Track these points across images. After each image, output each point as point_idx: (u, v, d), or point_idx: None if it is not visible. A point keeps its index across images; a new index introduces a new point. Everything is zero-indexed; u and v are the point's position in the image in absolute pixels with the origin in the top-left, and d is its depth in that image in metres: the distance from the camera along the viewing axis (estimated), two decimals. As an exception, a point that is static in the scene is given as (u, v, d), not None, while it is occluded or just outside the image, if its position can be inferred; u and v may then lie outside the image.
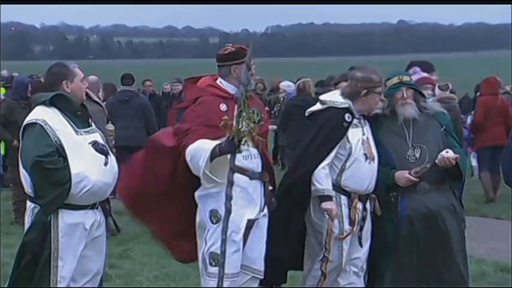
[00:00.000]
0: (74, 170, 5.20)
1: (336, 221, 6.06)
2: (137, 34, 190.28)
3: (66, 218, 5.28)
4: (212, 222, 5.78)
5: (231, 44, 6.06)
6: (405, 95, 6.12)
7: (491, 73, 15.13)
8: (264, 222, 5.91)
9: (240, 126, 5.37)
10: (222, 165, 5.59)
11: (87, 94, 9.41)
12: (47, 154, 5.19)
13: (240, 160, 5.64)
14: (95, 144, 5.34)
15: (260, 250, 5.90)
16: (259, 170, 5.89)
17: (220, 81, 5.96)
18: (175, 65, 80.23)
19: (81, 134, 5.34)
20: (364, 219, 6.15)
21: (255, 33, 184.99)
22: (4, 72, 13.54)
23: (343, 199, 6.10)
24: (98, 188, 5.29)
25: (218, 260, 5.57)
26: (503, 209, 11.49)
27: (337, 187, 6.09)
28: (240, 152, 5.47)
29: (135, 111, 11.56)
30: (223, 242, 5.46)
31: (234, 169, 5.50)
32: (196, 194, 5.80)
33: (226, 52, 6.01)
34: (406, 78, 6.23)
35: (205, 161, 5.60)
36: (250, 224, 5.84)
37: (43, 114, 5.31)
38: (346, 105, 6.14)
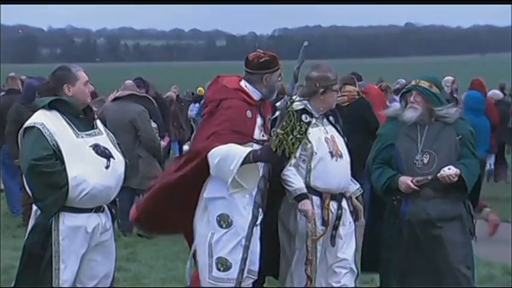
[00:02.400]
0: (71, 173, 5.19)
1: (307, 222, 6.03)
2: (144, 37, 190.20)
3: (67, 221, 5.28)
4: (221, 226, 5.72)
5: (261, 51, 6.00)
6: (413, 99, 6.13)
7: (498, 76, 15.11)
8: (258, 228, 5.87)
9: (287, 138, 5.47)
10: (248, 172, 5.62)
11: (134, 95, 9.50)
12: (42, 157, 5.19)
13: (252, 180, 5.66)
14: (96, 147, 5.32)
15: (257, 252, 5.86)
16: (264, 174, 5.82)
17: (245, 85, 5.89)
18: (182, 67, 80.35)
19: (82, 137, 5.32)
20: (339, 218, 6.12)
21: (262, 36, 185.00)
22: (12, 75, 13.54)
23: (315, 199, 6.09)
24: (98, 191, 5.27)
25: (227, 265, 5.61)
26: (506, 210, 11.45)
27: (308, 188, 6.07)
28: (289, 161, 5.64)
29: (155, 114, 11.69)
30: (246, 248, 5.54)
31: (266, 177, 5.56)
32: (205, 195, 5.75)
33: (260, 60, 5.94)
34: (422, 83, 6.19)
35: (238, 166, 5.56)
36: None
37: (42, 118, 5.31)
38: (301, 107, 6.13)
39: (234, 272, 5.63)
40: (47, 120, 5.30)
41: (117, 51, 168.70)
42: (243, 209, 5.70)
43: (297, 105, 6.10)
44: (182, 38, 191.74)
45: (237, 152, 5.59)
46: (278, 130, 5.58)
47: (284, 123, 5.59)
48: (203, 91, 21.31)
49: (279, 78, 5.95)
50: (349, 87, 10.21)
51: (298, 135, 5.62)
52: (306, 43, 5.91)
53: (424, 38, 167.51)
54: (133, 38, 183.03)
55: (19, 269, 5.45)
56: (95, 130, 5.43)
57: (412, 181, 5.96)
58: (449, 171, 5.89)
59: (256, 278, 5.88)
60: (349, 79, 10.48)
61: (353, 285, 6.17)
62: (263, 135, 5.84)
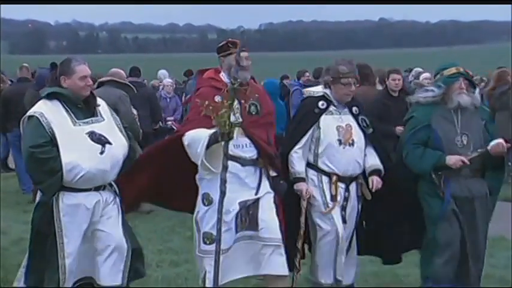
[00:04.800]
0: (65, 159, 5.16)
1: (319, 197, 6.00)
2: (142, 31, 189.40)
3: (66, 200, 5.27)
4: (204, 204, 5.71)
5: (230, 39, 5.93)
6: (462, 85, 5.98)
7: (463, 66, 15.04)
8: (268, 198, 5.77)
9: (225, 119, 5.31)
10: (217, 155, 5.53)
11: (114, 81, 9.42)
12: (39, 145, 5.17)
13: (231, 149, 5.56)
14: (91, 135, 5.27)
15: (273, 221, 5.73)
16: (253, 157, 5.77)
17: (222, 74, 5.86)
18: (176, 58, 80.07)
19: (80, 125, 5.28)
20: (346, 199, 6.06)
21: (250, 30, 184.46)
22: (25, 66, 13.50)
23: (324, 178, 6.04)
24: (92, 174, 5.23)
25: (212, 238, 5.56)
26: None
27: (317, 168, 6.04)
28: (230, 139, 5.41)
29: (140, 100, 11.61)
30: (219, 221, 5.45)
31: (228, 156, 5.47)
32: (196, 177, 5.75)
33: (218, 45, 5.92)
34: (462, 69, 6.08)
35: (203, 149, 5.53)
36: (247, 203, 5.71)
37: (42, 107, 5.30)
38: (321, 94, 6.09)
39: (222, 244, 5.56)
40: (46, 110, 5.27)
41: (117, 44, 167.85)
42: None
43: (318, 92, 6.11)
44: (177, 31, 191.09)
45: (201, 136, 5.54)
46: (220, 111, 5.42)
47: (229, 104, 5.41)
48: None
49: (242, 64, 5.66)
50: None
51: (236, 116, 5.50)
52: (242, 29, 5.85)
53: (396, 31, 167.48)
54: (133, 32, 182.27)
55: (29, 243, 5.45)
56: (93, 118, 5.38)
57: (463, 156, 5.85)
58: (498, 141, 5.86)
59: (281, 244, 5.68)
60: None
61: (354, 269, 6.18)
62: (238, 118, 5.68)
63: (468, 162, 5.86)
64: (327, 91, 6.10)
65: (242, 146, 5.74)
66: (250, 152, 5.76)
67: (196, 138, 5.58)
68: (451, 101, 5.96)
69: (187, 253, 7.81)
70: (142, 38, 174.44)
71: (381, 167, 6.16)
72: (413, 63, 16.69)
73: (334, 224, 6.00)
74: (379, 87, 11.00)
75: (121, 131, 5.53)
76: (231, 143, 5.51)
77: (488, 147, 5.85)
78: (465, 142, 5.94)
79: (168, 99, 14.35)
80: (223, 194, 5.44)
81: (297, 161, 6.03)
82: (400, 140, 6.25)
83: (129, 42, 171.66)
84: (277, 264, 5.69)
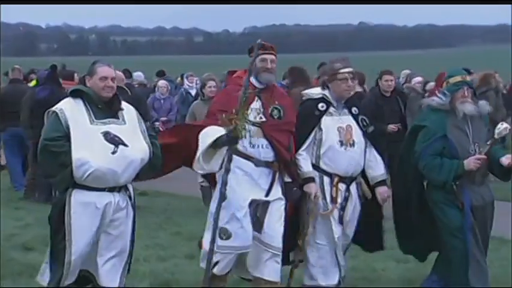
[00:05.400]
0: (75, 154, 5.14)
1: (319, 200, 5.91)
2: (131, 34, 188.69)
3: (77, 197, 5.23)
4: (222, 200, 5.61)
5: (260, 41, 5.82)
6: (466, 94, 5.87)
7: (439, 69, 15.13)
8: (278, 205, 5.72)
9: (238, 124, 5.36)
10: (209, 156, 5.52)
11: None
12: (53, 138, 5.18)
13: (246, 147, 5.54)
14: (106, 134, 5.24)
15: (278, 229, 5.70)
16: (268, 159, 5.67)
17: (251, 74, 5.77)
18: (164, 60, 79.86)
19: (96, 124, 5.26)
20: (346, 199, 5.96)
21: (234, 33, 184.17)
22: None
23: (326, 179, 5.96)
24: (101, 173, 5.18)
25: (228, 234, 5.55)
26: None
27: (319, 169, 5.96)
28: (236, 144, 5.43)
29: (130, 101, 11.62)
30: (215, 221, 5.48)
31: (231, 158, 5.44)
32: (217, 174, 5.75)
33: (248, 47, 5.87)
34: (468, 78, 6.00)
35: (204, 147, 5.49)
36: (258, 204, 5.65)
37: (64, 104, 5.34)
38: (320, 96, 6.01)
39: (235, 241, 5.56)
40: (67, 106, 5.31)
41: (107, 46, 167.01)
42: (236, 185, 5.61)
43: (317, 94, 6.02)
44: (164, 34, 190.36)
45: (209, 134, 5.50)
46: (231, 116, 5.44)
47: (238, 110, 5.46)
48: (181, 81, 21.16)
49: (265, 64, 5.71)
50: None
51: (243, 120, 5.46)
52: (259, 41, 5.76)
53: (375, 35, 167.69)
54: (121, 35, 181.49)
55: (50, 241, 5.43)
56: (112, 119, 5.33)
57: (477, 155, 5.76)
58: (505, 129, 5.81)
59: (279, 253, 5.71)
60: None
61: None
62: (261, 118, 5.66)
63: (484, 157, 5.76)
64: (326, 92, 6.01)
65: (259, 146, 5.66)
66: (266, 154, 5.67)
67: (205, 135, 5.53)
68: (457, 110, 5.86)
69: (173, 248, 7.81)
70: (130, 41, 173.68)
71: (385, 176, 6.12)
72: (390, 65, 16.75)
73: (331, 228, 5.94)
74: (359, 88, 11.00)
75: (145, 138, 5.44)
76: (246, 142, 5.48)
77: (495, 135, 5.79)
78: (477, 150, 5.85)
79: (162, 101, 14.37)
80: (223, 195, 5.44)
81: (303, 162, 5.93)
82: (416, 150, 6.02)
83: (118, 44, 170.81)
84: (273, 271, 5.68)
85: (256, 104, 5.72)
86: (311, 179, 5.91)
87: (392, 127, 9.87)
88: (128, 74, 12.85)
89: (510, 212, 9.06)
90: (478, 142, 5.89)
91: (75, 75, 13.11)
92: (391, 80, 10.29)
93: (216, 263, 5.63)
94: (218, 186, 5.66)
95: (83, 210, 5.25)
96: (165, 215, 9.65)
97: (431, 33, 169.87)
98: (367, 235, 6.21)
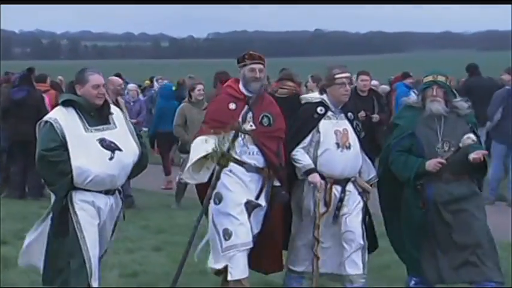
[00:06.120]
0: (75, 162, 5.03)
1: (311, 204, 5.84)
2: (101, 39, 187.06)
3: (79, 195, 5.13)
4: (216, 203, 5.57)
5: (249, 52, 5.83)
6: (435, 93, 5.79)
7: (388, 72, 15.25)
8: (262, 213, 5.71)
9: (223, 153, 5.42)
10: (199, 169, 5.53)
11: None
12: (50, 148, 5.04)
13: (239, 154, 5.51)
14: (102, 141, 5.14)
15: (250, 230, 5.67)
16: (259, 165, 5.63)
17: (240, 83, 5.75)
18: (132, 64, 79.31)
19: (91, 132, 5.15)
20: (341, 200, 5.87)
21: (199, 39, 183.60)
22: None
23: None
24: (101, 179, 5.10)
25: (229, 233, 5.49)
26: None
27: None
28: (224, 167, 5.48)
29: None
30: (197, 224, 5.53)
31: (219, 177, 5.47)
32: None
33: (238, 57, 5.82)
34: (440, 78, 5.87)
35: (193, 160, 5.50)
36: (251, 206, 5.61)
37: (57, 114, 5.19)
38: (318, 100, 5.95)
39: (237, 238, 5.52)
40: (61, 116, 5.17)
41: (78, 51, 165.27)
42: (230, 186, 5.59)
43: (316, 98, 5.98)
44: (132, 40, 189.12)
45: (201, 149, 5.48)
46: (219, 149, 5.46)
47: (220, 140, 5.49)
48: (149, 83, 21.13)
49: (253, 74, 5.66)
50: (289, 83, 10.21)
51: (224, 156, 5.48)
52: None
53: (330, 41, 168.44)
54: (92, 40, 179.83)
55: (48, 244, 5.27)
56: (105, 126, 5.23)
57: (439, 159, 5.66)
58: (470, 136, 5.68)
59: (250, 245, 5.62)
60: (289, 75, 10.48)
61: (360, 260, 5.90)
62: (251, 126, 5.62)
63: (445, 162, 5.65)
64: (324, 97, 5.95)
65: (250, 153, 5.61)
66: (257, 160, 5.63)
67: (197, 147, 5.51)
68: (425, 109, 5.80)
69: (141, 241, 7.78)
70: (100, 46, 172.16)
71: (375, 179, 6.09)
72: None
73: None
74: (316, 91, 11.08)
75: (134, 138, 5.37)
76: (238, 148, 5.47)
77: (460, 144, 5.67)
78: (446, 148, 5.75)
79: (132, 103, 14.37)
80: (205, 208, 5.49)
81: (301, 155, 5.85)
82: (384, 147, 6.09)
83: (88, 49, 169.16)
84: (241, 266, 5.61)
85: (245, 113, 5.70)
86: (313, 170, 5.82)
87: (361, 114, 9.95)
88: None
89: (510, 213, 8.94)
90: (450, 140, 5.78)
91: (48, 78, 13.08)
92: (367, 80, 10.40)
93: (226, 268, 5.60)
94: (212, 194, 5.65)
95: (87, 208, 5.16)
96: (134, 209, 9.58)
97: (381, 40, 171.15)
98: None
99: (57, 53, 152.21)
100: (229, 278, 5.55)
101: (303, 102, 6.14)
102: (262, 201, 5.71)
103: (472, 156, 5.63)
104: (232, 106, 5.63)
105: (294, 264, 6.07)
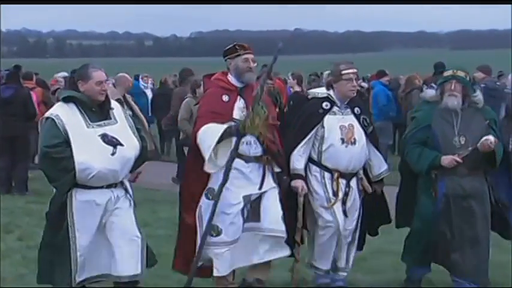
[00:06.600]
0: (77, 159, 4.92)
1: (321, 192, 5.76)
2: (86, 38, 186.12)
3: (79, 196, 5.02)
4: (208, 198, 5.43)
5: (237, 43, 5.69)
6: (453, 87, 5.68)
7: (366, 71, 15.33)
8: (272, 193, 5.54)
9: (251, 122, 5.21)
10: (224, 152, 5.31)
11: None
12: (53, 145, 4.94)
13: (225, 157, 5.33)
14: (103, 137, 5.03)
15: (275, 213, 5.48)
16: (257, 154, 5.51)
17: (229, 76, 5.60)
18: (116, 63, 79.00)
19: (93, 127, 5.04)
20: (347, 194, 5.80)
21: (182, 38, 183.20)
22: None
23: (326, 174, 5.79)
24: (103, 174, 4.99)
25: (217, 230, 5.34)
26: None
27: (321, 165, 5.80)
28: (244, 135, 5.27)
29: None
30: (214, 205, 5.32)
31: (235, 155, 5.27)
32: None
33: (224, 50, 5.65)
34: (460, 73, 5.72)
35: (214, 143, 5.25)
36: (251, 198, 5.44)
37: (58, 110, 5.08)
38: (325, 95, 5.85)
39: (226, 236, 5.38)
40: (62, 112, 5.05)
41: (63, 49, 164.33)
42: (227, 184, 5.39)
43: (322, 93, 5.88)
44: (117, 38, 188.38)
45: (214, 130, 5.30)
46: (247, 112, 5.30)
47: (254, 106, 5.32)
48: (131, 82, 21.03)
49: (247, 64, 5.51)
50: (268, 80, 10.25)
51: (260, 116, 5.29)
52: (280, 44, 5.55)
53: (309, 40, 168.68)
54: (77, 39, 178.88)
55: (43, 235, 5.21)
56: (106, 121, 5.13)
57: (456, 156, 5.57)
58: (489, 137, 5.52)
59: (284, 236, 5.45)
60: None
61: (352, 255, 5.91)
62: (265, 111, 5.44)
63: (460, 160, 5.58)
64: (330, 92, 5.86)
65: (247, 143, 5.46)
66: (255, 149, 5.51)
67: (209, 132, 5.31)
68: (442, 103, 5.70)
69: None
70: (86, 44, 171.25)
71: (386, 173, 5.98)
72: (323, 68, 16.91)
73: (336, 217, 5.76)
74: (297, 88, 11.13)
75: (134, 133, 5.26)
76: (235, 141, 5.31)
77: (478, 145, 5.56)
78: (463, 142, 5.64)
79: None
80: (224, 180, 5.29)
81: (297, 159, 5.75)
82: (402, 139, 6.00)
83: (74, 48, 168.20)
84: (273, 252, 5.47)
85: (239, 103, 5.56)
86: (299, 176, 5.74)
87: None
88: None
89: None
90: (466, 134, 5.65)
91: (34, 75, 12.99)
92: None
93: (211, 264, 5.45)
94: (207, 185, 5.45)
95: (86, 208, 5.03)
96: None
97: (359, 39, 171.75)
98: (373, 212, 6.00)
99: (43, 52, 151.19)
100: (215, 273, 5.46)
101: (309, 97, 6.02)
102: (267, 186, 5.54)
103: (481, 141, 5.56)
104: (225, 98, 5.49)
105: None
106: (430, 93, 5.93)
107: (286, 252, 5.55)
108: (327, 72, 12.60)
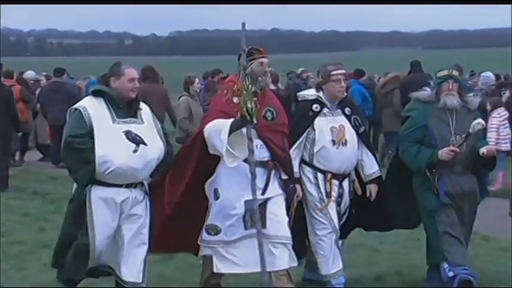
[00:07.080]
0: (99, 152, 4.88)
1: (315, 193, 5.70)
2: (66, 36, 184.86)
3: (98, 193, 4.96)
4: (215, 199, 5.36)
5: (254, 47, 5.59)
6: (450, 87, 5.64)
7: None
8: (277, 199, 5.43)
9: (246, 104, 5.11)
10: (238, 142, 5.19)
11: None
12: (77, 135, 4.91)
13: (243, 150, 5.22)
14: (127, 133, 4.98)
15: (280, 219, 5.39)
16: (263, 159, 5.38)
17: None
18: (96, 61, 78.57)
19: (118, 123, 5.00)
20: (341, 195, 5.75)
21: (161, 37, 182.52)
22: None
23: (319, 175, 5.73)
24: (122, 170, 4.93)
25: (217, 230, 5.31)
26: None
27: (313, 166, 5.73)
28: (252, 123, 5.15)
29: (64, 97, 11.86)
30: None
31: (252, 140, 5.17)
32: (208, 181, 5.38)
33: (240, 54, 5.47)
34: (455, 73, 5.70)
35: (226, 135, 5.14)
36: (252, 204, 5.28)
37: (86, 102, 5.06)
38: (314, 97, 5.75)
39: (226, 236, 5.33)
40: (90, 105, 5.03)
41: (44, 48, 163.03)
42: (229, 185, 5.35)
43: (312, 95, 5.77)
44: (97, 38, 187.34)
45: (222, 124, 5.21)
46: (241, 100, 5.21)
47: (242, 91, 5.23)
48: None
49: (263, 68, 5.39)
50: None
51: (249, 99, 5.19)
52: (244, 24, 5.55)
53: (286, 39, 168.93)
54: (58, 38, 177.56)
55: (62, 226, 5.19)
56: (132, 119, 5.08)
57: (451, 147, 5.53)
58: (479, 124, 5.52)
59: (290, 243, 5.37)
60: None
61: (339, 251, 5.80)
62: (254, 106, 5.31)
63: (457, 149, 5.55)
64: (320, 94, 5.76)
65: (254, 146, 5.29)
66: (261, 154, 5.38)
67: (217, 126, 5.21)
68: (440, 101, 5.65)
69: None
70: (66, 43, 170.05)
71: (378, 173, 5.87)
72: (299, 66, 16.94)
73: (331, 218, 5.71)
74: (273, 87, 11.09)
75: (160, 137, 5.19)
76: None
77: (470, 130, 5.54)
78: (459, 142, 5.61)
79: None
80: (255, 189, 5.21)
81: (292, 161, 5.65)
82: (398, 136, 5.96)
83: (54, 46, 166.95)
84: (285, 258, 5.35)
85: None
86: (294, 179, 5.64)
87: None
88: (62, 72, 13.21)
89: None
90: (462, 134, 5.60)
91: (14, 73, 12.94)
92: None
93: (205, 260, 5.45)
94: (213, 185, 5.37)
95: (104, 206, 4.97)
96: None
97: (335, 38, 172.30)
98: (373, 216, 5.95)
99: (24, 50, 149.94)
100: (214, 270, 5.41)
101: (299, 99, 5.92)
102: (271, 193, 5.43)
103: (483, 150, 5.57)
104: (236, 100, 5.32)
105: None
106: (425, 93, 5.85)
107: (294, 263, 5.46)
108: (301, 69, 12.72)
